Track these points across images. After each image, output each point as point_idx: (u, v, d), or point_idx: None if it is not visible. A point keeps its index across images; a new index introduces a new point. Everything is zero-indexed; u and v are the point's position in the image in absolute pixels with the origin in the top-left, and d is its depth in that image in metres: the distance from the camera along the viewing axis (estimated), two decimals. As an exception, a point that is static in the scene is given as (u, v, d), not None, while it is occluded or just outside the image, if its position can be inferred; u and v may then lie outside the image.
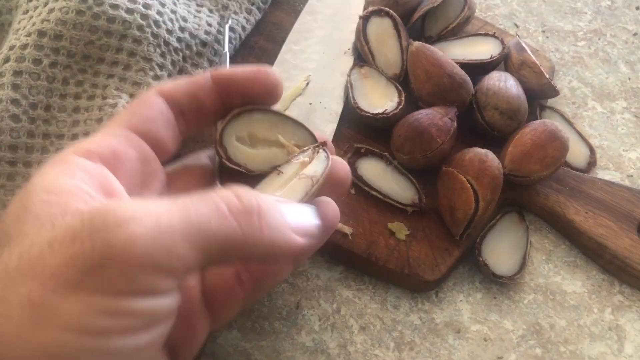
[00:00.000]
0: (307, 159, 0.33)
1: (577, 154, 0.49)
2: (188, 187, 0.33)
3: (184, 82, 0.33)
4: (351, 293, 0.42)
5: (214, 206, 0.26)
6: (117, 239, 0.23)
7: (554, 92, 0.49)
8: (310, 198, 0.31)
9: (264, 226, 0.27)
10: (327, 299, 0.42)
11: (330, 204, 0.32)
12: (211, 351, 0.39)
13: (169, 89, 0.33)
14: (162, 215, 0.24)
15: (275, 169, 0.33)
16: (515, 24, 0.59)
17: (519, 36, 0.51)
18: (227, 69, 0.34)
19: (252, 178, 0.33)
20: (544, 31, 0.59)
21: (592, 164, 0.49)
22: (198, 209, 0.25)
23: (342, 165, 0.34)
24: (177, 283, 0.25)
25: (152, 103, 0.32)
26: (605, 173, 0.50)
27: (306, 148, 0.33)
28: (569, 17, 0.61)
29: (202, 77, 0.33)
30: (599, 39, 0.59)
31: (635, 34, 0.60)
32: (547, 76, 0.48)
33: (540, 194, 0.45)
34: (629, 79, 0.56)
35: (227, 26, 0.47)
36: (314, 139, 0.34)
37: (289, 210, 0.29)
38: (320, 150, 0.33)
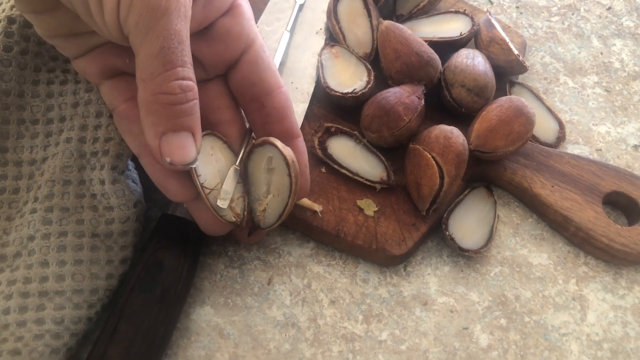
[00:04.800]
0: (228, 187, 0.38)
1: (546, 129, 0.50)
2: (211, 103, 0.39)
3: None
4: (322, 268, 0.43)
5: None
6: None
7: (522, 69, 0.49)
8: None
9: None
10: (299, 275, 0.43)
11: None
12: (185, 327, 0.40)
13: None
14: None
15: (236, 167, 0.39)
16: (490, 1, 0.60)
17: (489, 13, 0.52)
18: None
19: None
20: (517, 7, 0.60)
21: (561, 138, 0.50)
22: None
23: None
24: None
25: None
26: (574, 147, 0.51)
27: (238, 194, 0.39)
28: (543, -8, 0.61)
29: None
30: (572, 14, 0.60)
31: (609, 8, 0.60)
32: (517, 52, 0.49)
33: (507, 168, 0.46)
34: (601, 53, 0.57)
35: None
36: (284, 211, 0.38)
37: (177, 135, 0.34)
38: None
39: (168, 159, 0.33)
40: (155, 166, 0.38)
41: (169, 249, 0.40)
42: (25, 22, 0.41)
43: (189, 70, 0.33)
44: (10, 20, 0.41)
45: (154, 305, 0.38)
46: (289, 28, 0.49)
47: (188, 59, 0.33)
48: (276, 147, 0.36)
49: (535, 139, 0.49)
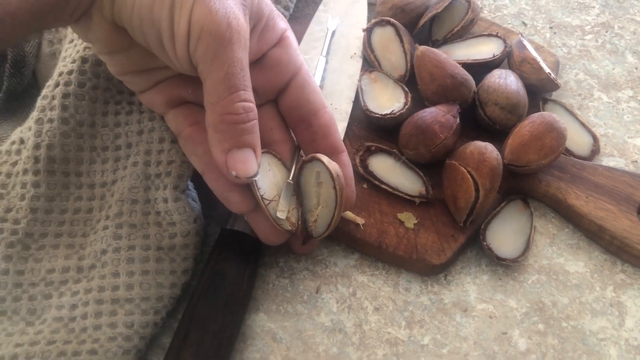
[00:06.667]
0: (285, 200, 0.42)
1: (579, 142, 0.52)
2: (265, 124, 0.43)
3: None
4: (366, 278, 0.46)
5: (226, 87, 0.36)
6: None
7: (554, 86, 0.52)
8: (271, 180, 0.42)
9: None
10: (344, 284, 0.46)
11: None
12: (241, 331, 0.44)
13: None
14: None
15: (290, 182, 0.43)
16: (524, 22, 0.62)
17: (521, 34, 0.54)
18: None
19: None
20: (551, 27, 0.62)
21: (595, 151, 0.52)
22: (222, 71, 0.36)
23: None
24: None
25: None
26: (609, 160, 0.52)
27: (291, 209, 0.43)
28: (576, 12, 0.63)
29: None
30: (606, 32, 0.61)
31: (642, 25, 0.62)
32: (548, 71, 0.51)
33: (542, 181, 0.49)
34: (636, 68, 0.58)
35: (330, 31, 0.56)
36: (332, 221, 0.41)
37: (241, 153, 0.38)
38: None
39: (234, 173, 0.38)
40: (219, 181, 0.42)
41: (230, 260, 0.44)
42: (96, 60, 0.46)
43: (249, 94, 0.37)
44: (84, 59, 0.46)
45: (220, 311, 0.41)
46: (324, 53, 0.54)
47: (249, 83, 0.37)
48: (322, 162, 0.40)
49: (569, 152, 0.51)
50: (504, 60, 0.54)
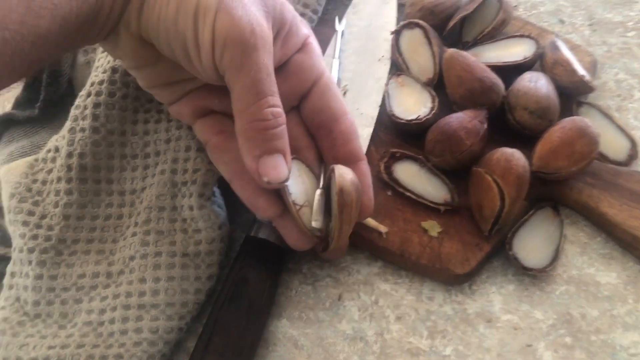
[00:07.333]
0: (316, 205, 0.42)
1: (616, 147, 0.50)
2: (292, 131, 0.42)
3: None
4: (389, 286, 0.46)
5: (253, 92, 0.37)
6: None
7: (588, 89, 0.50)
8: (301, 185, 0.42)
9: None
10: (367, 292, 0.46)
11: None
12: (264, 337, 0.44)
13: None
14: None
15: (322, 189, 0.43)
16: (561, 20, 0.60)
17: (555, 35, 0.53)
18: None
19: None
20: (591, 24, 0.59)
21: (633, 156, 0.49)
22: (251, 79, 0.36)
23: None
24: None
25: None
26: (648, 165, 0.50)
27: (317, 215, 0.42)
28: (618, 7, 0.61)
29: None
30: (650, 28, 0.59)
31: (690, 20, 0.59)
32: (582, 73, 0.49)
33: (573, 188, 0.47)
34: (681, 67, 0.56)
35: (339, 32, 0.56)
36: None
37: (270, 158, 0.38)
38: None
39: (266, 179, 0.38)
40: (246, 188, 0.42)
41: (253, 267, 0.44)
42: (126, 70, 0.47)
43: (277, 99, 0.38)
44: (114, 70, 0.47)
45: (242, 317, 0.42)
46: (336, 55, 0.54)
47: (275, 88, 0.38)
48: (334, 176, 0.39)
49: (604, 157, 0.49)
50: (537, 62, 0.52)
